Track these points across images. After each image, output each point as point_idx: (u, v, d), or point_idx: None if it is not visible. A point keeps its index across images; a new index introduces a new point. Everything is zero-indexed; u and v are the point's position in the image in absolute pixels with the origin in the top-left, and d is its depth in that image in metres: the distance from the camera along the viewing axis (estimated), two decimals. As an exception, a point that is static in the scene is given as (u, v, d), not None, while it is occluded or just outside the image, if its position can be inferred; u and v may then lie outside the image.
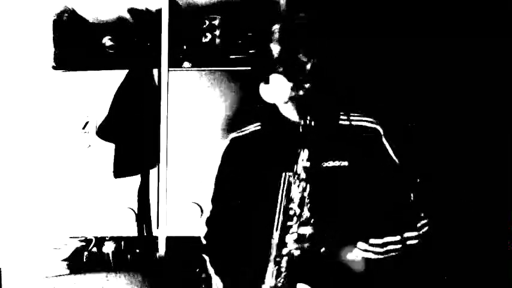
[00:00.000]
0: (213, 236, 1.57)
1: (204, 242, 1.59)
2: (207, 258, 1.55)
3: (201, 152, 2.16)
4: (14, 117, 2.26)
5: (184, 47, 2.25)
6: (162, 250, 2.11)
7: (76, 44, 2.31)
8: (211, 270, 1.52)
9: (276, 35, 1.41)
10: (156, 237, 2.13)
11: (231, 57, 2.23)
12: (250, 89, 1.70)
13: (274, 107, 1.50)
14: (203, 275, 2.13)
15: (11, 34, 2.28)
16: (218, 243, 1.55)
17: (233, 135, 1.63)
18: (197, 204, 2.12)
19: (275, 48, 1.40)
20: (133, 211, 2.16)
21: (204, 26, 2.24)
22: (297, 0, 2.14)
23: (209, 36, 2.24)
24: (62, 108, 2.23)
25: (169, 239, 2.12)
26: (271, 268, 1.33)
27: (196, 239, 2.14)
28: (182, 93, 2.18)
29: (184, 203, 2.13)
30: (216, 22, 2.23)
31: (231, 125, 2.16)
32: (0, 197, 2.23)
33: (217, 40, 2.24)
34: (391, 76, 2.12)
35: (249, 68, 1.52)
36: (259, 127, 1.59)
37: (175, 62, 2.21)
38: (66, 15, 2.32)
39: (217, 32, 2.23)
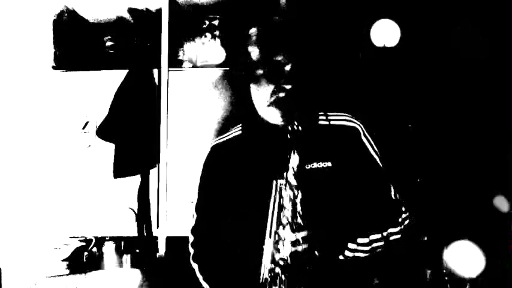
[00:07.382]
0: (200, 244, 1.55)
1: (191, 250, 1.57)
2: (195, 265, 1.54)
3: (201, 152, 2.15)
4: (14, 117, 2.26)
5: (185, 47, 2.26)
6: (162, 250, 2.11)
7: (76, 44, 2.32)
8: (200, 278, 1.51)
9: (254, 38, 1.40)
10: (156, 237, 2.13)
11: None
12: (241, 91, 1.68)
13: (254, 110, 1.46)
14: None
15: (11, 34, 2.27)
16: (205, 251, 1.53)
17: (213, 142, 1.60)
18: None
19: (254, 51, 1.39)
20: (133, 211, 2.16)
21: (204, 26, 2.24)
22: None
23: (209, 36, 2.24)
24: (62, 108, 2.23)
25: (169, 239, 2.12)
26: (264, 276, 1.31)
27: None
28: (182, 93, 2.18)
29: (184, 203, 2.13)
30: (216, 22, 2.24)
31: (230, 125, 2.15)
32: (0, 197, 2.23)
33: (217, 40, 2.24)
34: (372, 74, 2.11)
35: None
36: (240, 131, 1.56)
37: (175, 62, 2.22)
38: (66, 15, 2.32)
39: (217, 32, 2.24)
